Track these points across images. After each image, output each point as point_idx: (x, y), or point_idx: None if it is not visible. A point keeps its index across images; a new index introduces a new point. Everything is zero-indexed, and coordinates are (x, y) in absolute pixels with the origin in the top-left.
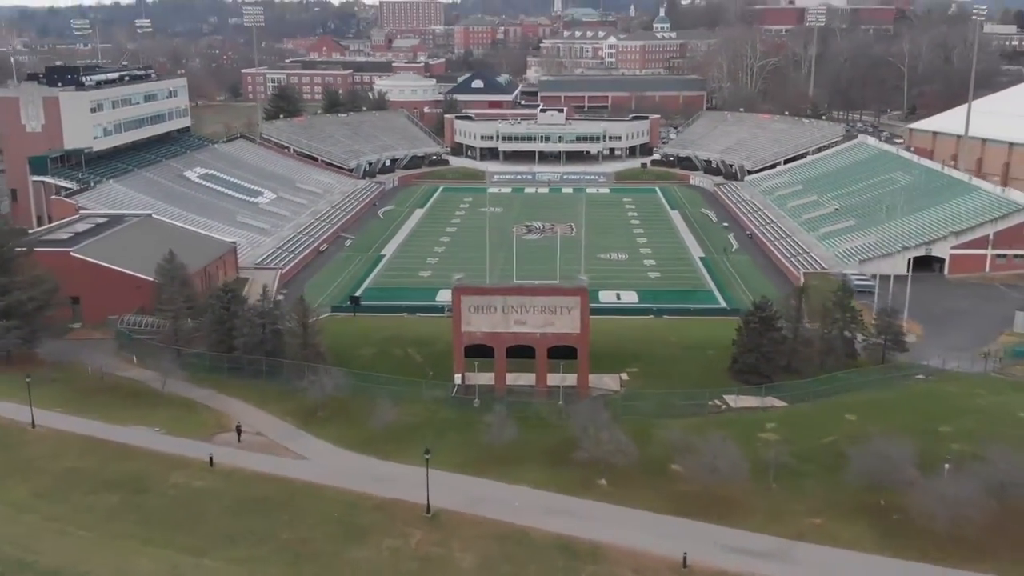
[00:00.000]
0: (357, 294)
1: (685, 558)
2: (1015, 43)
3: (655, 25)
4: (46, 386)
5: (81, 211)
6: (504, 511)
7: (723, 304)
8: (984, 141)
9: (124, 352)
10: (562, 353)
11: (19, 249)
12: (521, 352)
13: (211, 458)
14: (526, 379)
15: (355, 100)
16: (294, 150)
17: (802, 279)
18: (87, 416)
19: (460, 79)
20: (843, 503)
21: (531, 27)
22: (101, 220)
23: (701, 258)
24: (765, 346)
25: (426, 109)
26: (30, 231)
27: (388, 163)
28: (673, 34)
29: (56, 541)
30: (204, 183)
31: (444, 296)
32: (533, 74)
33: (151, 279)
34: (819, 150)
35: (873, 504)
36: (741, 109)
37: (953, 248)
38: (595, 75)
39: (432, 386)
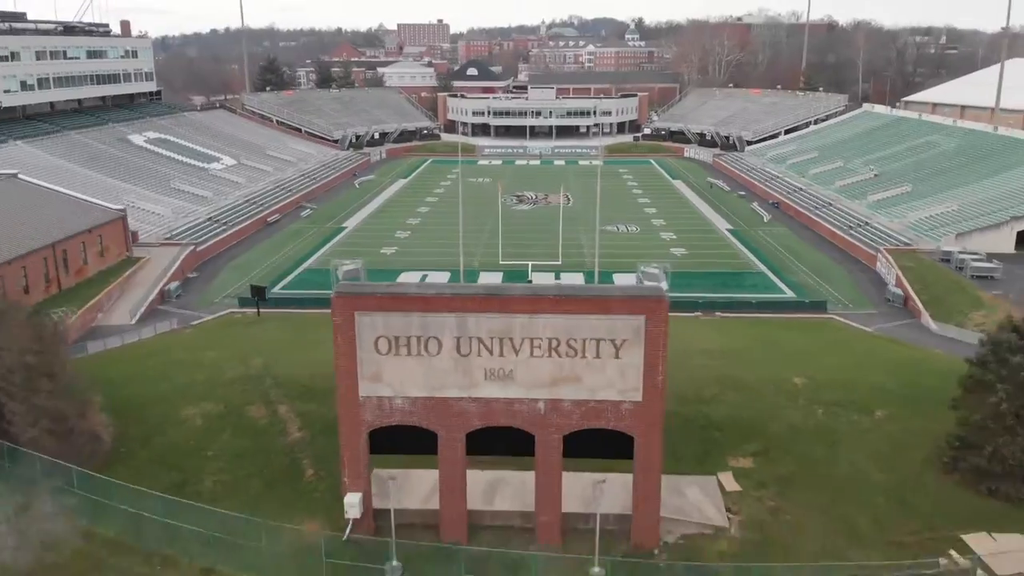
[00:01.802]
0: (260, 284)
1: None
2: (936, 50)
3: (626, 36)
4: None
5: None
6: None
7: (788, 293)
8: (992, 110)
9: None
10: (596, 444)
11: None
12: (502, 441)
13: None
14: (511, 501)
15: (348, 75)
16: (277, 121)
17: (885, 258)
18: None
19: (456, 68)
20: None
21: (522, 41)
22: None
23: (730, 231)
24: None
25: (423, 94)
26: None
27: (377, 136)
28: (642, 43)
29: None
30: (149, 147)
31: (407, 280)
32: (523, 77)
33: None
34: (817, 121)
35: None
36: (731, 84)
37: None
38: (579, 71)
39: (289, 527)
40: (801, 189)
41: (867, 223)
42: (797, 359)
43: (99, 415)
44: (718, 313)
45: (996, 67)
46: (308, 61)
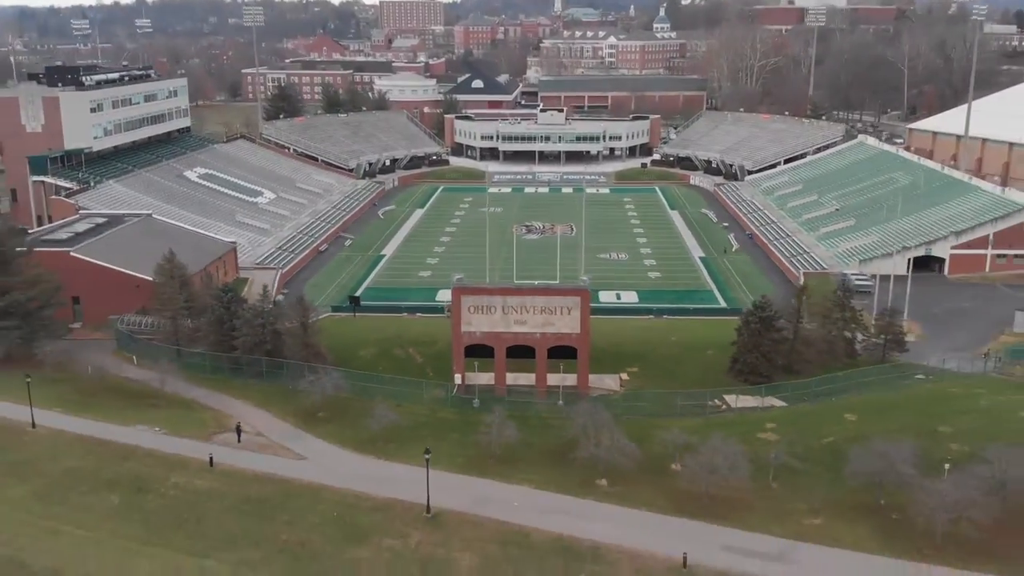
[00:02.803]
0: (357, 294)
1: (685, 559)
2: (1015, 43)
3: (655, 25)
4: (46, 386)
5: (81, 211)
6: (504, 511)
7: (723, 304)
8: (984, 141)
9: (124, 352)
10: (562, 353)
11: (19, 249)
12: (521, 352)
13: (211, 458)
14: (526, 379)
15: (355, 100)
16: (294, 150)
17: (802, 279)
18: (87, 416)
19: (460, 79)
20: (843, 502)
21: (531, 27)
22: (101, 220)
23: (701, 258)
24: (765, 346)
25: (426, 109)
26: (30, 231)
27: (388, 163)
28: (673, 34)
29: (52, 542)
30: (204, 183)
31: (444, 296)
32: (533, 74)
33: (151, 279)
34: (819, 150)
35: (872, 504)
36: (741, 109)
37: (953, 248)
38: (595, 75)
39: (432, 386)
40: (774, 221)
41: (808, 252)
42: (684, 332)
43: (325, 348)
44: (664, 316)
45: (1000, 94)
46: (288, 60)
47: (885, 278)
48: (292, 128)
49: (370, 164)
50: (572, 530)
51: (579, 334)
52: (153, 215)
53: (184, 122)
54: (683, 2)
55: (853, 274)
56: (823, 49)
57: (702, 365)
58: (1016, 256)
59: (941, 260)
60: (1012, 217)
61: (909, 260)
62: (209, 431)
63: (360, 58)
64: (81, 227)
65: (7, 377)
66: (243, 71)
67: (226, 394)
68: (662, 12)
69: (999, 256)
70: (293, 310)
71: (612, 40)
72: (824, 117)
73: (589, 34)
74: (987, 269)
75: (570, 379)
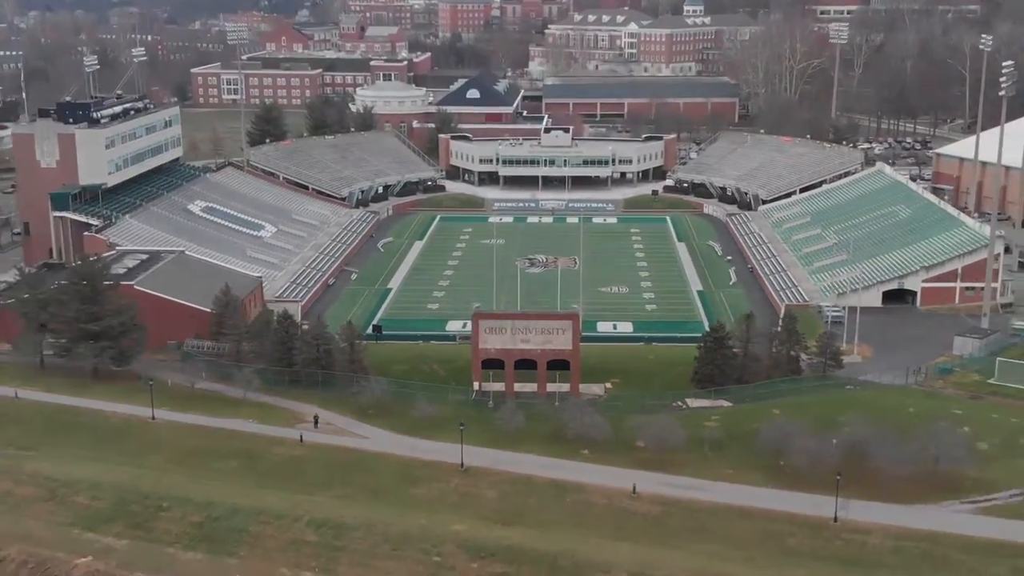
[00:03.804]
0: (378, 323)
1: (634, 487)
2: None
3: (686, 7)
4: (143, 394)
5: (117, 248)
6: (515, 467)
7: None
8: (1008, 169)
9: (193, 370)
10: (558, 366)
11: (107, 282)
12: (526, 365)
13: (301, 437)
14: (530, 387)
15: (340, 117)
16: (283, 177)
17: (783, 311)
18: (190, 413)
19: (453, 87)
20: (752, 462)
21: (534, 5)
22: (144, 256)
23: (699, 291)
24: (719, 360)
25: (415, 123)
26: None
27: (380, 190)
28: (707, 19)
29: (200, 487)
30: (207, 216)
31: (454, 326)
32: (536, 67)
33: (205, 309)
34: (838, 178)
35: (775, 464)
36: (762, 131)
37: (924, 282)
38: (609, 76)
39: (455, 392)
40: (775, 255)
41: (797, 286)
42: (662, 353)
43: (369, 362)
44: (653, 343)
45: None
46: (245, 57)
47: (863, 309)
48: (279, 153)
49: (362, 192)
50: (563, 477)
51: (571, 350)
52: (185, 252)
53: (177, 152)
54: None
55: (828, 306)
56: (888, 38)
57: (672, 377)
58: (982, 288)
59: (914, 293)
60: (979, 252)
61: (882, 293)
62: (290, 423)
63: (329, 52)
64: (130, 262)
65: (104, 388)
66: (192, 70)
67: (291, 399)
68: None
69: (967, 288)
70: (342, 333)
71: (633, 27)
72: (844, 142)
73: (605, 18)
74: (956, 301)
75: (564, 387)
